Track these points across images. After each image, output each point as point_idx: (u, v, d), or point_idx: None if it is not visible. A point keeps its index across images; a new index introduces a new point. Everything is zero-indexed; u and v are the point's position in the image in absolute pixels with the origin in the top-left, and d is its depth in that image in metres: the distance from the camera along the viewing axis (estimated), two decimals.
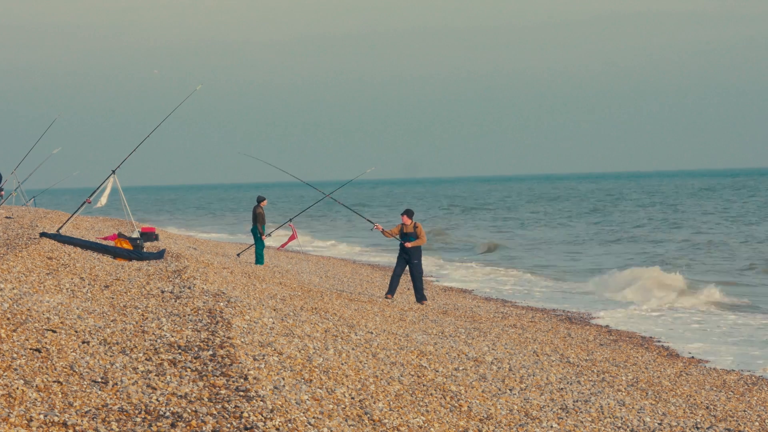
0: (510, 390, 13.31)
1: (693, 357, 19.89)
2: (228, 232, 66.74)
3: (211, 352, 11.23)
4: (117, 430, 8.49)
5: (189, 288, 16.72)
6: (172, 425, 8.66)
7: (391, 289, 24.20)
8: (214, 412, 9.03)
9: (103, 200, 26.09)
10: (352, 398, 10.70)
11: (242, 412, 9.03)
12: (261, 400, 9.43)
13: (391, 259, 43.33)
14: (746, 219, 69.40)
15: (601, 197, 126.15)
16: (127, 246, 23.06)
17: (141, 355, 11.05)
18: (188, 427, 8.65)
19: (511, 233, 64.29)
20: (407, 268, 24.23)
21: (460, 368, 14.19)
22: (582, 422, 12.18)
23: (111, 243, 23.61)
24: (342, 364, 12.23)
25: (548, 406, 12.66)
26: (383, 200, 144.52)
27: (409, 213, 24.19)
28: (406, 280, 29.48)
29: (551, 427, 11.62)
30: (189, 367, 10.58)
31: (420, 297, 24.06)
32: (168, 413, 8.96)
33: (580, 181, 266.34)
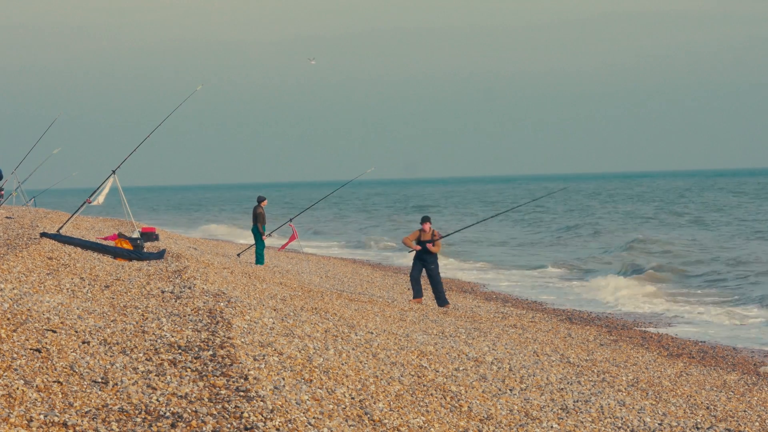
0: (510, 390, 13.30)
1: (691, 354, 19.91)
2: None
3: (211, 352, 11.23)
4: (117, 430, 8.49)
5: (189, 288, 16.72)
6: (173, 425, 8.66)
7: (417, 293, 24.26)
8: (215, 413, 9.03)
9: (101, 199, 26.11)
10: (353, 398, 10.70)
11: (242, 413, 9.03)
12: (261, 401, 9.43)
13: (387, 258, 43.45)
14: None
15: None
16: (127, 246, 23.07)
17: (141, 355, 11.05)
18: (188, 428, 8.65)
19: None
20: (424, 271, 24.33)
21: (461, 368, 14.18)
22: (582, 422, 12.18)
23: (111, 243, 23.62)
24: (342, 364, 12.23)
25: (548, 407, 12.66)
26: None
27: (429, 220, 24.28)
28: (405, 280, 29.45)
29: (551, 427, 11.62)
30: (189, 368, 10.58)
31: (442, 302, 24.11)
32: (168, 413, 8.96)
33: (592, 181, 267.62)
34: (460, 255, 47.46)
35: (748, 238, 53.57)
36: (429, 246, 23.98)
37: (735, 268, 38.02)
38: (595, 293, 32.56)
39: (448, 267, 41.17)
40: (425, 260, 24.09)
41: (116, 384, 9.73)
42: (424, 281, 26.50)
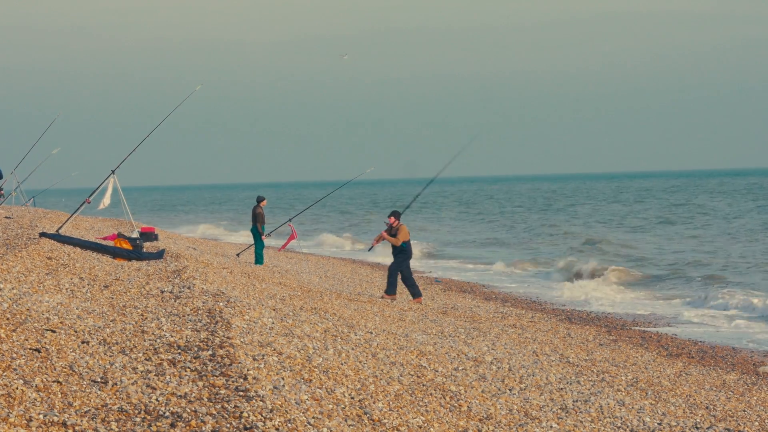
0: (509, 390, 13.31)
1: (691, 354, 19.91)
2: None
3: (210, 352, 11.23)
4: (116, 430, 8.49)
5: (188, 288, 16.72)
6: (172, 425, 8.66)
7: (414, 293, 24.32)
8: (214, 412, 9.03)
9: (106, 201, 26.06)
10: (352, 398, 10.69)
11: (242, 412, 9.03)
12: (260, 400, 9.43)
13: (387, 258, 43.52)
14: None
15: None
16: (126, 246, 23.06)
17: (140, 355, 11.05)
18: (188, 427, 8.65)
19: None
20: (408, 264, 24.44)
21: (460, 368, 14.18)
22: (582, 422, 12.18)
23: (110, 243, 23.62)
24: (341, 364, 12.23)
25: (548, 406, 12.66)
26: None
27: (396, 215, 24.31)
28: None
29: (551, 427, 11.62)
30: (188, 367, 10.58)
31: (389, 291, 24.16)
32: (167, 413, 8.95)
33: (598, 181, 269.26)
34: (435, 256, 48.29)
35: (733, 238, 53.56)
36: (388, 238, 24.11)
37: (715, 269, 38.07)
38: (569, 292, 32.75)
39: (428, 266, 41.26)
40: (393, 253, 24.25)
41: (115, 384, 9.73)
42: (418, 280, 26.73)
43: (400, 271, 24.26)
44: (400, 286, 25.49)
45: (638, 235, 58.53)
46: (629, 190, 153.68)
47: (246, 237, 55.63)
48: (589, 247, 49.64)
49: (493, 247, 54.17)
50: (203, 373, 10.38)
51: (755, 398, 15.82)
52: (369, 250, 26.69)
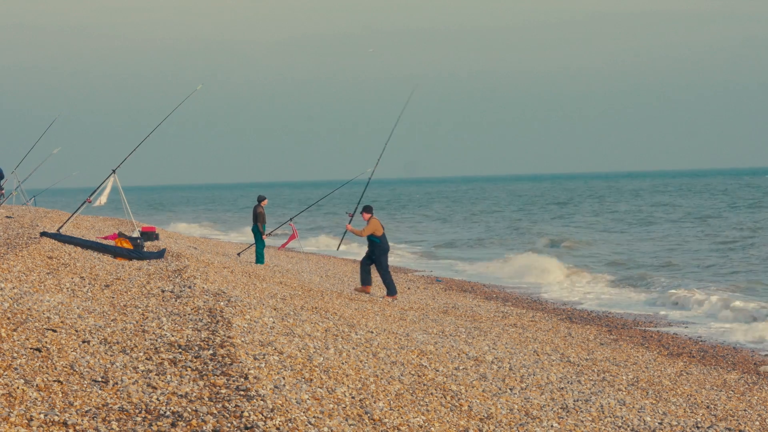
0: (510, 389, 13.31)
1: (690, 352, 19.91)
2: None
3: (211, 352, 11.23)
4: (117, 429, 8.48)
5: (189, 287, 16.72)
6: (173, 425, 8.66)
7: (365, 279, 24.38)
8: (215, 412, 9.03)
9: (103, 199, 26.11)
10: (353, 397, 10.69)
11: (242, 412, 9.03)
12: (261, 400, 9.43)
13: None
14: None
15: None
16: (127, 245, 23.07)
17: (141, 354, 11.05)
18: (188, 427, 8.65)
19: None
20: (383, 259, 24.56)
21: (461, 367, 14.18)
22: (582, 421, 12.18)
23: (111, 242, 23.62)
24: (342, 363, 12.23)
25: (549, 406, 12.66)
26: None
27: (368, 209, 24.37)
28: (405, 279, 29.50)
29: (552, 426, 11.62)
30: (189, 367, 10.58)
31: (389, 293, 24.18)
32: (168, 413, 8.95)
33: (590, 180, 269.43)
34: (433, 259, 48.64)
35: (714, 237, 53.48)
36: (352, 230, 24.30)
37: (711, 269, 38.03)
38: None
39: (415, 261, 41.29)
40: (369, 249, 24.25)
41: (116, 383, 9.73)
42: (418, 279, 26.81)
43: (373, 263, 24.17)
44: (405, 284, 25.51)
45: (615, 235, 58.65)
46: (624, 191, 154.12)
47: (245, 237, 55.59)
48: (553, 249, 49.70)
49: (469, 246, 54.25)
50: (204, 372, 10.38)
51: (756, 398, 15.82)
52: (338, 248, 26.87)
